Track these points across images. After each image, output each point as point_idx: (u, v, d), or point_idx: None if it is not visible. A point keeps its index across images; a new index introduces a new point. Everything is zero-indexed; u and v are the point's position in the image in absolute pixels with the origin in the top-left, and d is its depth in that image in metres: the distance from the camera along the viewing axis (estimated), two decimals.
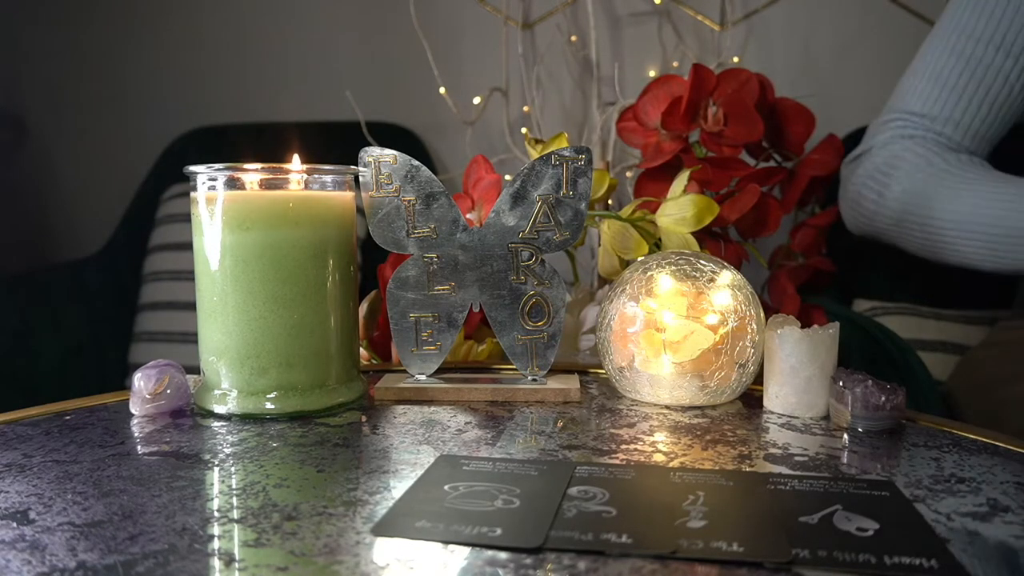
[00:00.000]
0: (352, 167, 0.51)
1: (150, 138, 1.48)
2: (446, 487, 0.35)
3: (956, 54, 0.78)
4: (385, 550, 0.30)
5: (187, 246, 0.49)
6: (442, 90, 1.22)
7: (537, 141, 0.70)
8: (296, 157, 0.50)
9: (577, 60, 1.26)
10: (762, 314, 0.51)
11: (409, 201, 0.52)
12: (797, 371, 0.48)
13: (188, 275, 0.49)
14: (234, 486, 0.37)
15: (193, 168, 0.47)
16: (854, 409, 0.45)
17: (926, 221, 0.76)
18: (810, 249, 0.84)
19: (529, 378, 0.54)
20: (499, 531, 0.31)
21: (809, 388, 0.48)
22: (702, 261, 0.51)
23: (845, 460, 0.41)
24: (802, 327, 0.48)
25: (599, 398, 0.53)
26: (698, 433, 0.45)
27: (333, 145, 1.33)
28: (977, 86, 0.78)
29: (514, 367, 0.54)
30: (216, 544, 0.30)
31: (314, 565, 0.29)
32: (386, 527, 0.32)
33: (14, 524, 0.32)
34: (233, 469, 0.39)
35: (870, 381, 0.45)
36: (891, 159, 0.80)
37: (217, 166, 0.47)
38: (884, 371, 0.71)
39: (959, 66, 0.78)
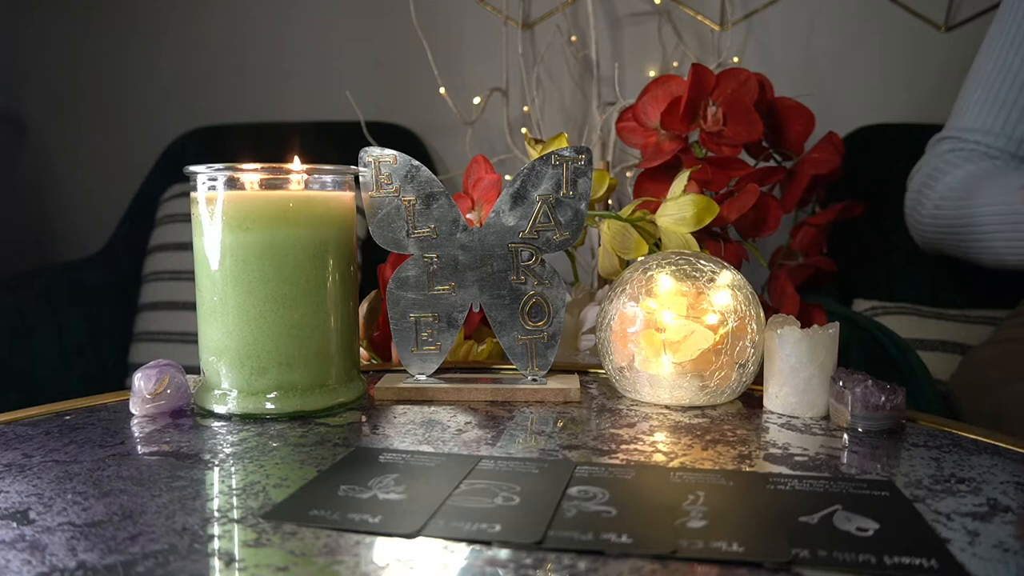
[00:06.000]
0: (352, 167, 0.51)
1: (150, 138, 1.49)
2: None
3: (1002, 65, 0.79)
4: (385, 550, 0.30)
5: (187, 246, 0.49)
6: (442, 90, 1.22)
7: (537, 141, 0.70)
8: (296, 157, 0.50)
9: (577, 60, 1.26)
10: (762, 314, 0.51)
11: (409, 201, 0.52)
12: (797, 371, 0.48)
13: (188, 275, 0.49)
14: (234, 486, 0.37)
15: (193, 168, 0.47)
16: (854, 409, 0.45)
17: (962, 212, 0.77)
18: (810, 249, 0.84)
19: (529, 378, 0.54)
20: (498, 527, 0.31)
21: (809, 388, 0.48)
22: (702, 261, 0.51)
23: (845, 460, 0.41)
24: (802, 327, 0.48)
25: (599, 398, 0.53)
26: (698, 433, 0.45)
27: (333, 145, 1.33)
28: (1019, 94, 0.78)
29: (514, 367, 0.54)
30: (216, 544, 0.30)
31: (314, 565, 0.29)
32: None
33: (14, 524, 0.32)
34: (233, 469, 0.39)
35: (870, 381, 0.45)
36: (939, 166, 0.82)
37: (217, 166, 0.47)
38: (884, 371, 0.71)
39: (1007, 78, 0.78)
